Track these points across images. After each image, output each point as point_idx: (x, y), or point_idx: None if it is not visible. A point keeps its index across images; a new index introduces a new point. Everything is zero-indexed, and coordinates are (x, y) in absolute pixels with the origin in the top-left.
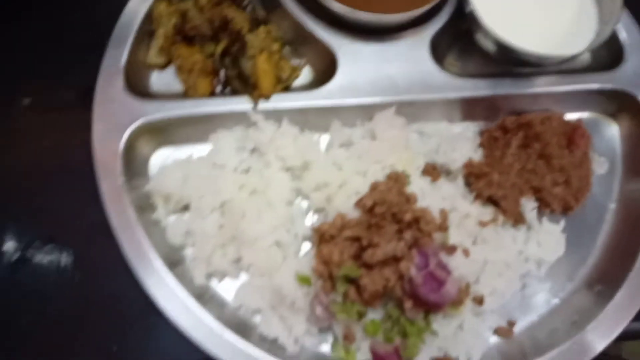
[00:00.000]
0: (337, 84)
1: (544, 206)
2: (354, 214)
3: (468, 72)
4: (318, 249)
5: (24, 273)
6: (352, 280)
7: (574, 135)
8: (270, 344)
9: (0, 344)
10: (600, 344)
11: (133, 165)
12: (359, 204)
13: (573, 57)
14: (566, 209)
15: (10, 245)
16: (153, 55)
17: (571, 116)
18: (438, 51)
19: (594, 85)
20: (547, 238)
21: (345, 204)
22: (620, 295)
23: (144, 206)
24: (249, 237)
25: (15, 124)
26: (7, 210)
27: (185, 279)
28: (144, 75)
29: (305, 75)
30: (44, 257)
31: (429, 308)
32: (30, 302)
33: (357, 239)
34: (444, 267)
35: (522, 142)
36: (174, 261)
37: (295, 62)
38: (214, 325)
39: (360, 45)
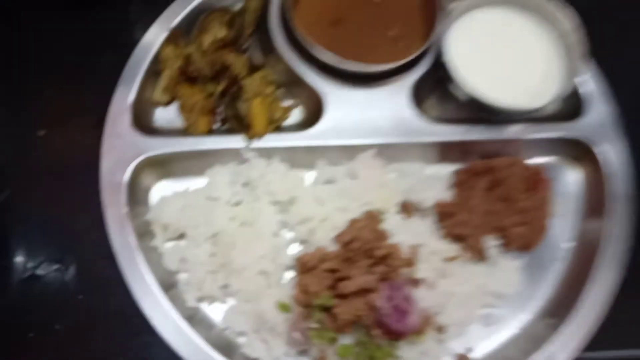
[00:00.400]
0: (324, 126)
1: (505, 244)
2: (333, 247)
3: (447, 117)
4: (299, 278)
5: (33, 290)
6: (327, 309)
7: (534, 179)
8: None
9: (8, 356)
10: None
11: (136, 196)
12: (337, 238)
13: (537, 110)
14: (526, 248)
15: (22, 264)
16: (158, 93)
17: (536, 161)
18: (418, 97)
19: (557, 134)
20: (506, 274)
21: (326, 237)
22: (567, 329)
23: (144, 233)
24: (237, 265)
25: (31, 154)
26: (22, 232)
27: (178, 302)
28: (149, 111)
29: (297, 115)
30: (52, 276)
31: (394, 336)
32: (37, 317)
33: (334, 270)
34: (408, 299)
35: (488, 185)
36: (169, 285)
37: (287, 103)
38: (202, 345)
39: (346, 90)
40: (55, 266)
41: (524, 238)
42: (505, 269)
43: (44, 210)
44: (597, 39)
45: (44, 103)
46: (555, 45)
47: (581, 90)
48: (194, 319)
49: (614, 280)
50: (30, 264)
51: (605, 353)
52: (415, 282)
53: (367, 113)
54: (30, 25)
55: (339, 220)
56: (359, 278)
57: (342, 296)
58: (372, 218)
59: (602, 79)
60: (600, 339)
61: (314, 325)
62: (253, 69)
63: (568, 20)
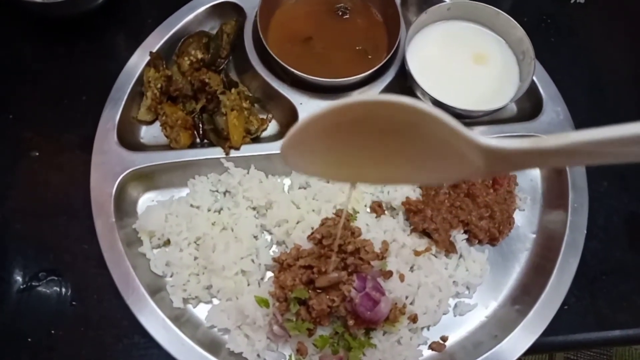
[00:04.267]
0: None
1: (472, 237)
2: (308, 245)
3: None
4: (276, 275)
5: (31, 298)
6: (303, 302)
7: (499, 175)
8: (236, 358)
9: (9, 358)
10: (513, 356)
11: (123, 207)
12: (310, 237)
13: (497, 111)
14: (492, 240)
15: (19, 276)
16: (143, 112)
17: None
18: None
19: (517, 132)
20: (474, 265)
21: (302, 237)
22: (532, 314)
23: (132, 241)
24: (218, 266)
25: (25, 173)
26: (18, 246)
27: (165, 303)
28: (135, 129)
29: (272, 127)
30: (47, 286)
31: (368, 325)
32: (34, 323)
33: (309, 267)
34: (378, 289)
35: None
36: (157, 288)
37: (263, 116)
38: (190, 343)
39: (317, 101)
40: (50, 277)
41: (489, 231)
42: (474, 261)
43: (39, 224)
44: (548, 47)
45: (37, 126)
46: (509, 52)
47: (537, 93)
48: (181, 319)
49: (575, 268)
50: (26, 276)
51: (566, 337)
52: (386, 274)
53: None
54: (26, 57)
55: (313, 221)
56: (332, 272)
57: (318, 290)
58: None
59: (554, 82)
60: (561, 323)
61: (292, 318)
62: (230, 85)
63: (518, 30)
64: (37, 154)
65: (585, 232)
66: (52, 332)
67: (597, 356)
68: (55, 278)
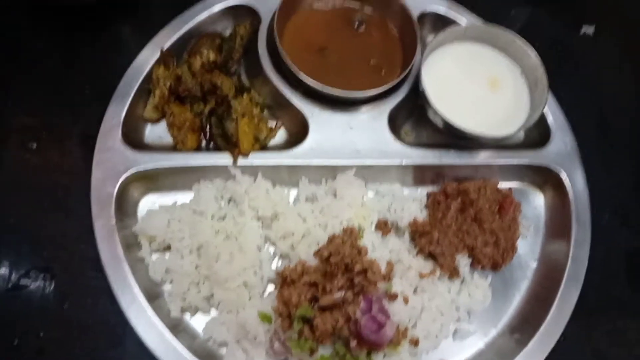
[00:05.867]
0: (307, 146)
1: (476, 263)
2: (313, 261)
3: (421, 141)
4: (280, 290)
5: (19, 298)
6: (307, 320)
7: (504, 202)
8: None
9: None
10: None
11: (124, 208)
12: (317, 253)
13: (507, 138)
14: (495, 266)
15: (8, 272)
16: (149, 111)
17: (505, 185)
18: (395, 122)
19: (525, 161)
20: (477, 290)
21: (307, 252)
22: (532, 344)
23: (131, 244)
24: (221, 277)
25: (21, 166)
26: (10, 242)
27: (162, 311)
28: (140, 127)
29: (281, 135)
30: (38, 285)
31: (371, 347)
32: (23, 324)
33: (314, 284)
34: (384, 312)
35: (460, 206)
36: (154, 295)
37: (272, 123)
38: (185, 354)
39: (329, 114)
40: (42, 275)
41: (493, 257)
42: (477, 286)
43: (34, 220)
44: (557, 77)
45: (36, 116)
46: (522, 78)
47: (546, 121)
48: (178, 328)
49: (575, 300)
50: (17, 273)
51: None
52: (392, 296)
53: (348, 135)
54: (27, 46)
55: (319, 236)
56: (338, 291)
57: (322, 308)
58: (351, 234)
59: (563, 112)
60: (558, 355)
61: (294, 335)
62: (240, 90)
63: (534, 55)
64: (35, 145)
65: (586, 264)
66: (41, 334)
67: None
68: (48, 277)
